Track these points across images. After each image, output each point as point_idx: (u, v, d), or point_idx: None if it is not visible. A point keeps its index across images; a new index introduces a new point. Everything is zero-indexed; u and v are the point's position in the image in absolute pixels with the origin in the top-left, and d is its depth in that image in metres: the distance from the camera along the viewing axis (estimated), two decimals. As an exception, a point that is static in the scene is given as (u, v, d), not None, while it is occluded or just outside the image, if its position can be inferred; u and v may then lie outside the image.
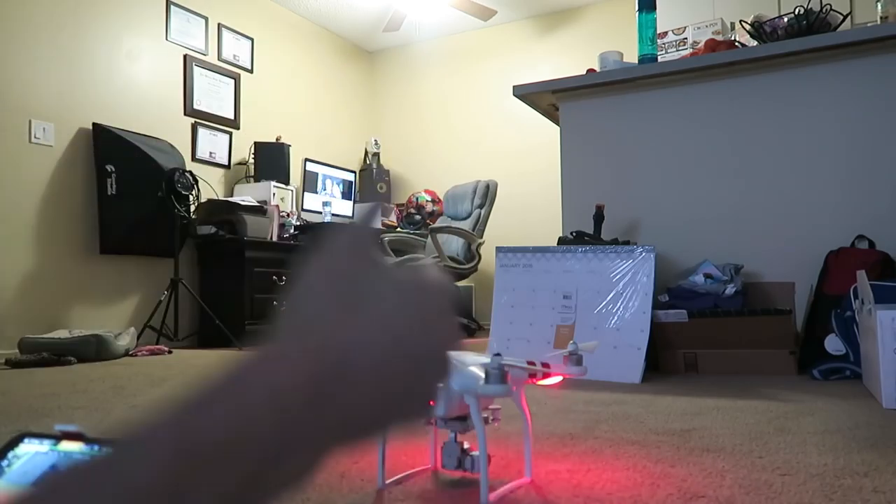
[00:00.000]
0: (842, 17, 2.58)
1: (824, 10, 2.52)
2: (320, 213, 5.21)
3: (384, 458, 0.95)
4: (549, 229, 5.51)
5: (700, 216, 2.68)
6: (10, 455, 0.61)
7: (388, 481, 0.97)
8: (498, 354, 0.84)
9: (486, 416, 0.96)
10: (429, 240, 5.03)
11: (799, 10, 2.55)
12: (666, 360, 2.32)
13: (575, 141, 2.91)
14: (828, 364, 2.04)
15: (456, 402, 0.86)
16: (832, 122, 2.50)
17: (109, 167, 3.92)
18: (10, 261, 3.56)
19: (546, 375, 0.96)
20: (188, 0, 4.67)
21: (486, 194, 4.85)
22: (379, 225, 5.31)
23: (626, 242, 2.52)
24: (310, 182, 5.31)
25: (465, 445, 0.95)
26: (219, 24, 4.89)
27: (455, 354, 0.96)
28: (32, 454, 0.60)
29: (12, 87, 3.62)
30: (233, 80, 4.97)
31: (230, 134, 4.92)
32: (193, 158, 4.61)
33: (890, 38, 2.37)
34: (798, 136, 2.55)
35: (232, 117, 4.95)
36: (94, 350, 3.17)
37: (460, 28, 6.06)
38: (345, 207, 5.59)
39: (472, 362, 0.91)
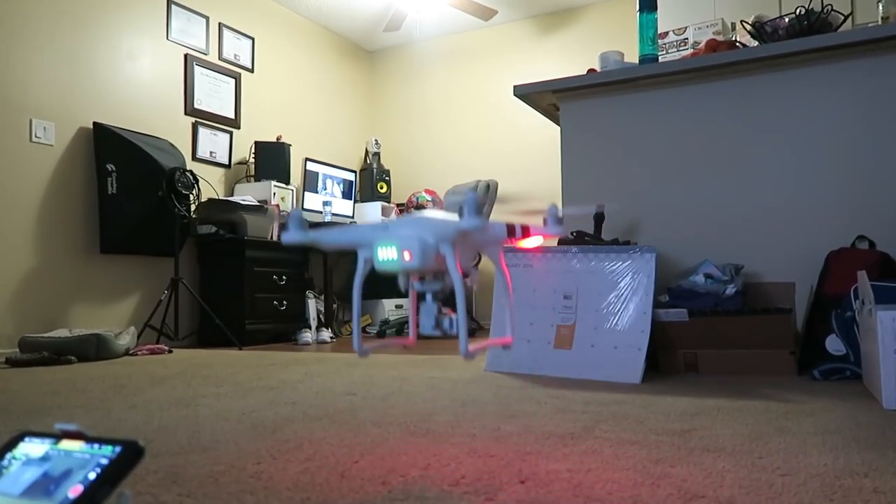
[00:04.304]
0: (843, 18, 2.57)
1: (825, 10, 2.52)
2: (321, 212, 5.21)
3: (359, 331, 0.96)
4: (549, 229, 5.51)
5: (700, 216, 2.68)
6: (9, 455, 0.61)
7: (366, 347, 0.98)
8: (473, 191, 0.83)
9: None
10: (429, 239, 5.02)
11: (800, 11, 2.55)
12: (666, 360, 2.32)
13: (575, 141, 2.91)
14: (828, 364, 2.04)
15: (432, 254, 0.84)
16: (833, 123, 2.50)
17: (110, 166, 3.92)
18: (10, 260, 3.56)
19: (525, 235, 0.94)
20: (189, -1, 4.67)
21: (487, 194, 4.84)
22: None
23: (627, 242, 2.52)
24: (310, 181, 5.31)
25: (444, 309, 0.94)
26: (219, 24, 4.90)
27: (427, 212, 0.94)
28: (24, 462, 0.59)
29: (13, 86, 3.63)
30: (233, 80, 4.97)
31: (231, 133, 4.92)
32: (194, 158, 4.62)
33: (891, 38, 2.37)
34: (799, 136, 2.55)
35: (232, 117, 4.95)
36: (94, 349, 3.17)
37: (461, 28, 6.05)
38: (345, 207, 5.59)
39: (445, 216, 0.90)
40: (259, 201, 4.55)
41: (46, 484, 0.56)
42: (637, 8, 2.76)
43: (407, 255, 0.82)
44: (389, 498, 0.90)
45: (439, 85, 6.21)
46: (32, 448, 0.61)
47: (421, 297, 0.95)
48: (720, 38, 3.47)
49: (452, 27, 6.04)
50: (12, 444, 0.63)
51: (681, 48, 3.73)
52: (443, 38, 6.23)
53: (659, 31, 3.31)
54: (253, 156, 4.96)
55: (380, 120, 6.47)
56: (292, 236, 0.92)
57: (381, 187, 5.97)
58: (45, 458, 0.59)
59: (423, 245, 0.82)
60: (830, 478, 0.96)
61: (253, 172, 4.94)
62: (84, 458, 0.58)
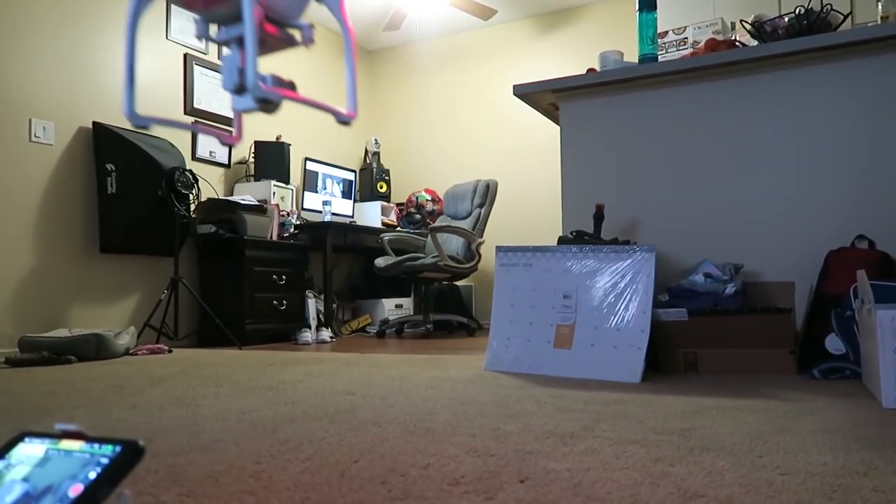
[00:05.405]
0: (842, 17, 2.57)
1: (825, 9, 2.52)
2: (320, 212, 5.21)
3: (131, 92, 0.89)
4: (549, 229, 5.52)
5: (700, 215, 2.68)
6: (3, 462, 0.61)
7: (144, 117, 0.92)
8: None
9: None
10: (429, 239, 5.02)
11: (799, 10, 2.55)
12: (666, 360, 2.32)
13: (575, 140, 2.91)
14: (828, 363, 2.04)
15: None
16: (832, 122, 2.50)
17: (109, 166, 3.92)
18: (10, 259, 3.56)
19: None
20: (188, -1, 4.67)
21: (486, 193, 4.84)
22: None
23: (627, 242, 2.52)
24: (310, 181, 5.31)
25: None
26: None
27: None
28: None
29: (12, 85, 3.62)
30: (233, 79, 4.97)
31: (230, 133, 4.92)
32: (193, 157, 4.61)
33: (890, 37, 2.37)
34: (798, 135, 2.55)
35: (232, 116, 4.95)
36: (93, 349, 3.17)
37: (461, 27, 6.05)
38: (345, 207, 5.59)
39: None
40: (259, 201, 4.55)
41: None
42: (637, 7, 2.76)
43: None
44: (389, 497, 0.90)
45: (439, 84, 6.20)
46: (32, 449, 0.61)
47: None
48: (720, 37, 3.47)
49: (452, 27, 6.04)
50: (11, 444, 0.63)
51: (680, 47, 3.73)
52: (443, 38, 6.23)
53: (658, 31, 3.31)
54: (252, 155, 4.95)
55: (380, 119, 6.47)
56: None
57: (381, 187, 5.97)
58: (32, 471, 0.59)
59: None
60: (830, 476, 0.96)
61: (252, 172, 4.94)
62: (84, 457, 0.58)
